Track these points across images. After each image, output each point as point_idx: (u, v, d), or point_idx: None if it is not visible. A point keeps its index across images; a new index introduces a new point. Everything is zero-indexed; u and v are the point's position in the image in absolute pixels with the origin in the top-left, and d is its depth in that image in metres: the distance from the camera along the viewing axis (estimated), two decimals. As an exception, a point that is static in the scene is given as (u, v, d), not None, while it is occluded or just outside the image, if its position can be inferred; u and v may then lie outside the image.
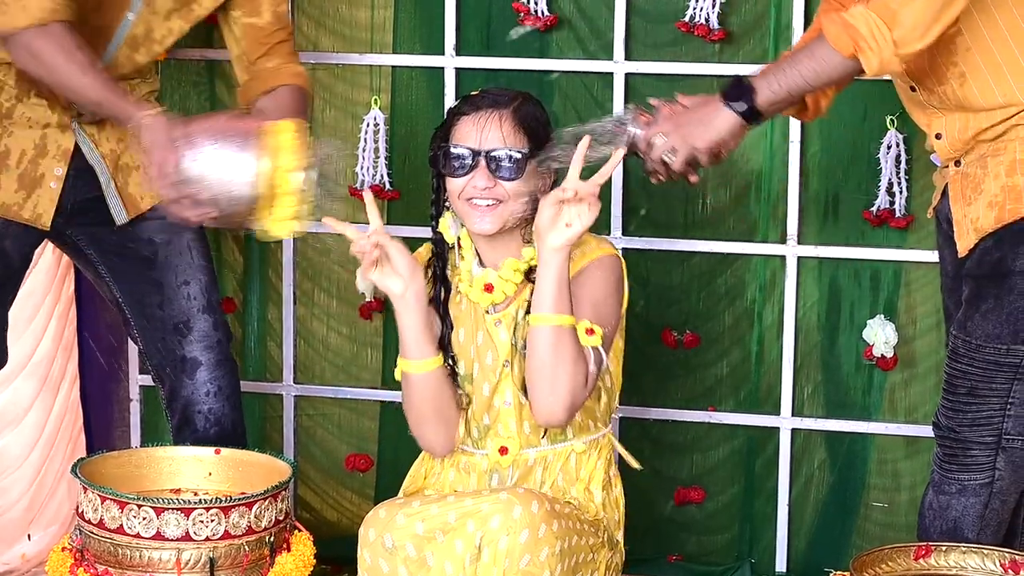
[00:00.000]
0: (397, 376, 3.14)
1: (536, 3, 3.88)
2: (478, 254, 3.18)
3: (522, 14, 3.89)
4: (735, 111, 3.04)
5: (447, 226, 3.20)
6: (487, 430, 3.16)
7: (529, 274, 3.14)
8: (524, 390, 3.09)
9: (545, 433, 3.14)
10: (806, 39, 3.22)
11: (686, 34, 3.83)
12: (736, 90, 3.05)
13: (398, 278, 3.04)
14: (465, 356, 3.16)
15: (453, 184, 3.11)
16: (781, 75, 3.02)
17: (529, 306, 3.07)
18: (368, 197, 3.08)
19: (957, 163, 3.09)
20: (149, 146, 3.09)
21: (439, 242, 3.20)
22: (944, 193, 3.15)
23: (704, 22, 3.80)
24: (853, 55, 2.93)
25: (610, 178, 3.80)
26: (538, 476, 3.15)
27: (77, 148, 3.39)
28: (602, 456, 3.19)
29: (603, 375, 3.16)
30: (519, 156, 3.08)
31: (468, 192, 3.09)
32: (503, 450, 3.14)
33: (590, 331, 3.03)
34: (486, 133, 3.08)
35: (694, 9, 3.81)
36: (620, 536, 3.21)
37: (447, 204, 3.18)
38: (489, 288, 3.13)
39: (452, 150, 3.10)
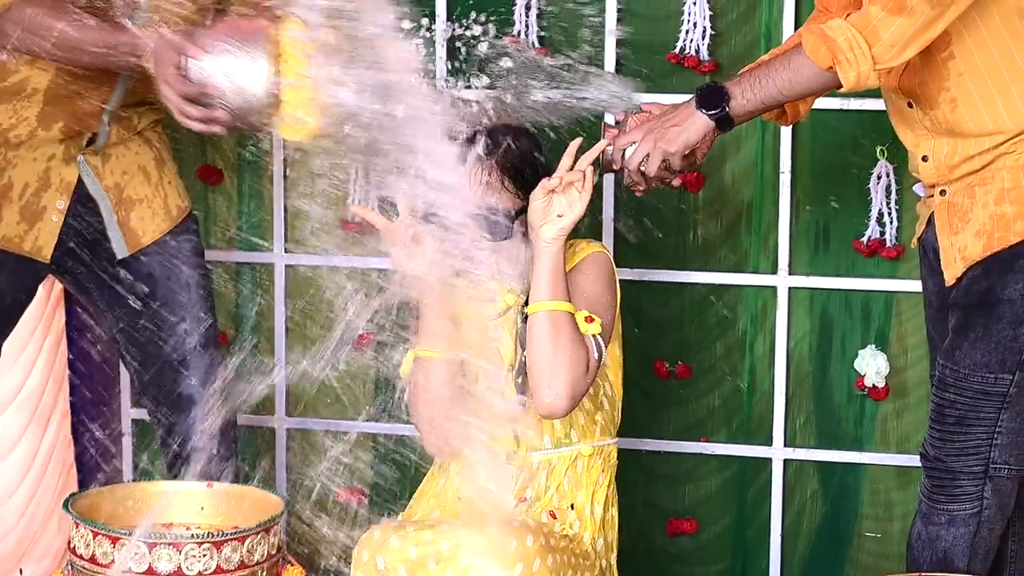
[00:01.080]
0: (404, 371, 3.16)
1: (527, 35, 3.90)
2: None
3: (513, 46, 3.90)
4: (709, 117, 3.05)
5: None
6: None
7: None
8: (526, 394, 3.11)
9: (553, 436, 3.15)
10: (786, 47, 3.22)
11: (676, 65, 3.84)
12: (711, 96, 3.05)
13: (429, 265, 3.07)
14: (471, 362, 3.17)
15: None
16: (756, 84, 3.02)
17: (521, 309, 3.10)
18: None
19: (943, 192, 3.10)
20: (157, 62, 3.07)
21: None
22: (929, 222, 3.15)
23: (694, 53, 3.82)
24: (831, 68, 2.93)
25: (602, 212, 3.86)
26: (543, 480, 3.16)
27: (80, 180, 3.38)
28: (607, 468, 3.20)
29: (603, 382, 3.18)
30: (505, 217, 3.10)
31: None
32: (509, 454, 3.15)
33: (589, 319, 3.06)
34: (475, 190, 3.10)
35: (684, 41, 3.82)
36: (613, 559, 3.22)
37: None
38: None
39: None
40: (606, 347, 3.10)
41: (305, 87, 3.02)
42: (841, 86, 2.95)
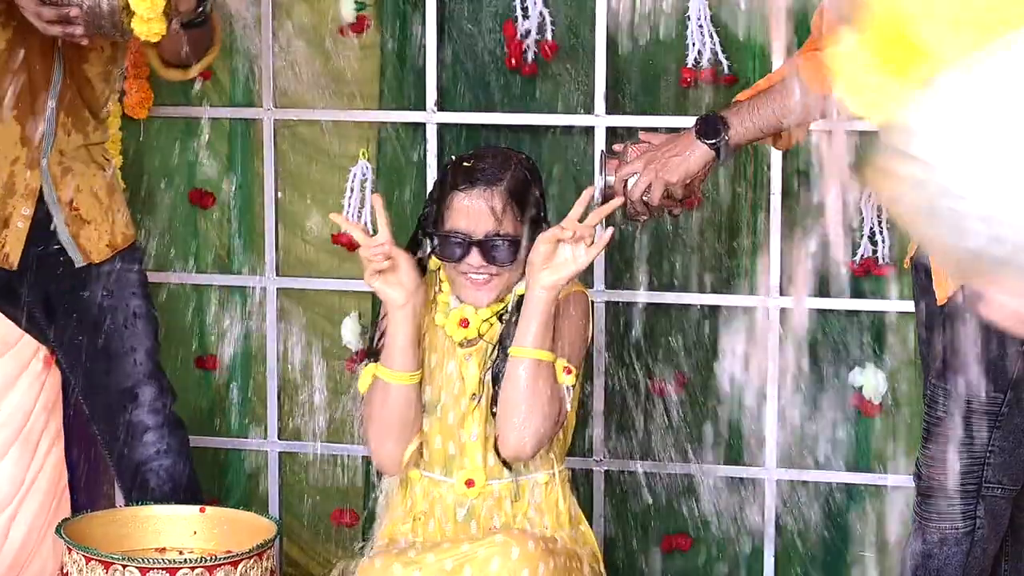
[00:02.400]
0: (362, 387, 3.14)
1: (522, 55, 3.90)
2: None
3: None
4: (709, 146, 3.07)
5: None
6: (452, 460, 3.16)
7: (503, 315, 3.14)
8: (489, 424, 3.10)
9: (510, 467, 3.14)
10: (780, 74, 3.24)
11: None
12: (710, 126, 3.08)
13: (402, 290, 3.06)
14: (433, 383, 3.16)
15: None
16: (754, 112, 3.05)
17: (500, 342, 3.09)
18: (378, 203, 3.10)
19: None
20: None
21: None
22: (921, 242, 3.16)
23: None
24: (827, 95, 2.94)
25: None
26: (508, 508, 3.15)
27: (41, 189, 3.34)
28: (564, 493, 3.20)
29: None
30: (512, 241, 3.09)
31: (464, 268, 3.11)
32: (469, 483, 3.14)
33: (567, 370, 3.05)
34: (480, 218, 3.09)
35: (690, 59, 3.82)
36: (600, 567, 3.22)
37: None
38: (464, 323, 3.14)
39: (446, 237, 3.11)
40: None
41: None
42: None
